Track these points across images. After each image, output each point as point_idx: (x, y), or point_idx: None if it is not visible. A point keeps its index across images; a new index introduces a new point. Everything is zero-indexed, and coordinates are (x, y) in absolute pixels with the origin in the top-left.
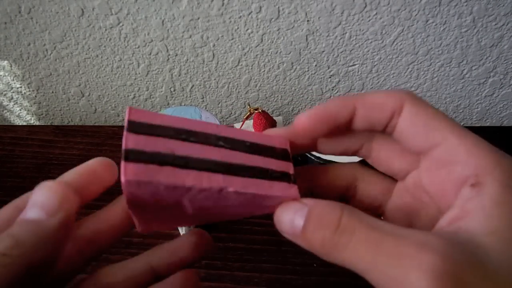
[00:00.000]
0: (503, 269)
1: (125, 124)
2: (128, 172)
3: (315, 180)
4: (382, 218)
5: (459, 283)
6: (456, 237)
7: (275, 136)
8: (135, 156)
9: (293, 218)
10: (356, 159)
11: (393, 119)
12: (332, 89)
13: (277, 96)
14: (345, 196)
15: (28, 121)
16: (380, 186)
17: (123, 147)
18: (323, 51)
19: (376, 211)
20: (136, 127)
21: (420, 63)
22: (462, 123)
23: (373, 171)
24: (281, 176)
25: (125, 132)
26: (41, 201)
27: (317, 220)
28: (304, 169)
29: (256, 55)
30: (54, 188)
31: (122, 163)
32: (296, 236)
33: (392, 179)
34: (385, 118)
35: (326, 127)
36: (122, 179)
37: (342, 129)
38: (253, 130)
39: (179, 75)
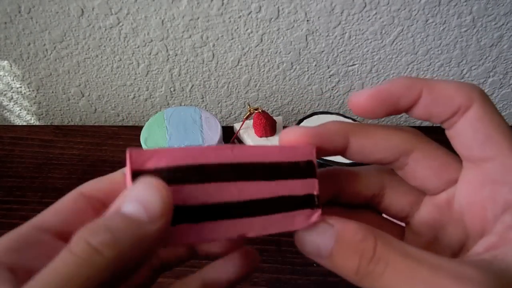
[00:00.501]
0: None
1: (128, 174)
2: None
3: (341, 186)
4: (405, 228)
5: None
6: (492, 266)
7: (299, 144)
8: None
9: (318, 240)
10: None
11: (456, 116)
12: (332, 89)
13: (277, 96)
14: (370, 203)
15: (28, 121)
16: (408, 198)
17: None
18: (322, 51)
19: (401, 220)
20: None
21: (420, 63)
22: None
23: (403, 181)
24: (304, 202)
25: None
26: (143, 198)
27: (349, 246)
28: (329, 173)
29: (256, 55)
30: (159, 188)
31: None
32: (322, 258)
33: (422, 192)
34: (448, 113)
35: (385, 110)
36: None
37: (398, 112)
38: (253, 130)
39: (179, 75)
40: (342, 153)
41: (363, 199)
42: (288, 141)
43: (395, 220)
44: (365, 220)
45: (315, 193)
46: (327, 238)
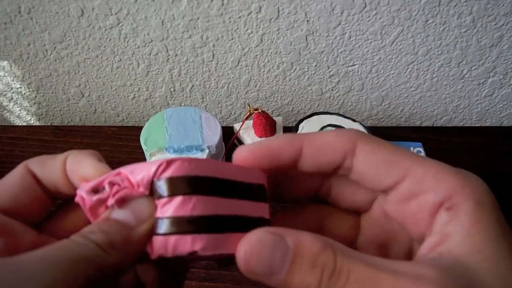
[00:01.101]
0: (496, 287)
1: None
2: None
3: (282, 224)
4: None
5: None
6: (441, 263)
7: (249, 168)
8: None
9: (271, 256)
10: None
11: (346, 161)
12: (332, 89)
13: (277, 96)
14: (318, 196)
15: (28, 121)
16: (347, 222)
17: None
18: (322, 51)
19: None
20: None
21: (420, 63)
22: (461, 123)
23: (337, 209)
24: (256, 223)
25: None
26: (132, 205)
27: (307, 261)
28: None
29: (256, 55)
30: (148, 198)
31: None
32: (275, 277)
33: (357, 213)
34: (336, 160)
35: (268, 164)
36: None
37: (288, 169)
38: (252, 130)
39: (179, 75)
40: (293, 167)
41: (309, 193)
42: (240, 161)
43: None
44: (317, 213)
45: (266, 216)
46: (280, 253)
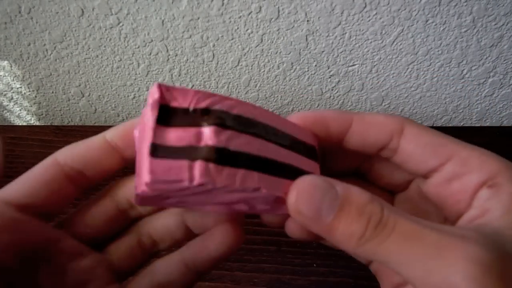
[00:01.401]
0: None
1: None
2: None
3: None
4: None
5: (504, 274)
6: (483, 230)
7: (304, 129)
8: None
9: (321, 200)
10: None
11: (393, 141)
12: (332, 89)
13: (277, 96)
14: (358, 171)
15: (28, 121)
16: (398, 174)
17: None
18: (323, 51)
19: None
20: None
21: (420, 63)
22: (461, 123)
23: (374, 185)
24: None
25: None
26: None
27: (355, 209)
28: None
29: (256, 55)
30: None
31: (153, 161)
32: (321, 222)
33: (393, 192)
34: (383, 139)
35: (317, 132)
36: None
37: (335, 143)
38: None
39: (179, 75)
40: (340, 141)
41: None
42: (304, 119)
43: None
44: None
45: (317, 174)
46: (330, 198)
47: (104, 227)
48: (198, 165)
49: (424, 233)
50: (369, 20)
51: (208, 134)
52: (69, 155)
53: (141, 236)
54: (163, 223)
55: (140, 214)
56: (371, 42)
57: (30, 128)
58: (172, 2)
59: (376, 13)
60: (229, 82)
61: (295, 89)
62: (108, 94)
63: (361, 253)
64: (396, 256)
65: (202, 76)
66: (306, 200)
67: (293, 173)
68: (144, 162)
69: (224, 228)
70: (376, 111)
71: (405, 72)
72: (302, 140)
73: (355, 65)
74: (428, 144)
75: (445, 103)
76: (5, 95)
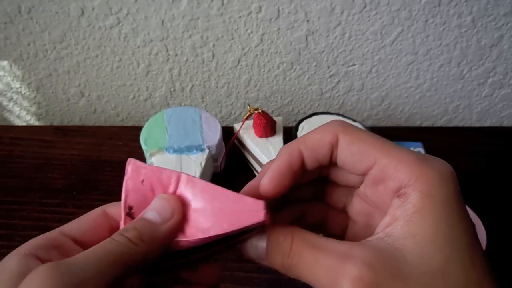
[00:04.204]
0: (415, 268)
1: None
2: None
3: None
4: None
5: (373, 285)
6: (382, 242)
7: (250, 203)
8: None
9: (256, 246)
10: None
11: (334, 151)
12: (332, 89)
13: (277, 96)
14: (316, 196)
15: (28, 121)
16: (342, 193)
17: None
18: (322, 51)
19: (342, 210)
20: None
21: (420, 63)
22: (462, 123)
23: (337, 184)
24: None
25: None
26: (158, 207)
27: (275, 247)
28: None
29: (256, 55)
30: (169, 199)
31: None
32: (263, 260)
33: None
34: (328, 154)
35: (289, 180)
36: None
37: (301, 172)
38: (253, 130)
39: (179, 75)
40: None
41: (309, 196)
42: (264, 193)
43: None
44: (315, 210)
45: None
46: (262, 242)
47: None
48: None
49: (318, 258)
50: (369, 20)
51: None
52: (115, 211)
53: None
54: None
55: None
56: (371, 42)
57: (30, 128)
58: (172, 2)
59: (376, 13)
60: (229, 82)
61: (295, 89)
62: (108, 94)
63: (291, 276)
64: (306, 277)
65: (202, 76)
66: (248, 250)
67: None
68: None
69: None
70: (376, 111)
71: (405, 72)
72: (240, 229)
73: (355, 65)
74: (355, 153)
75: (445, 103)
76: (5, 95)
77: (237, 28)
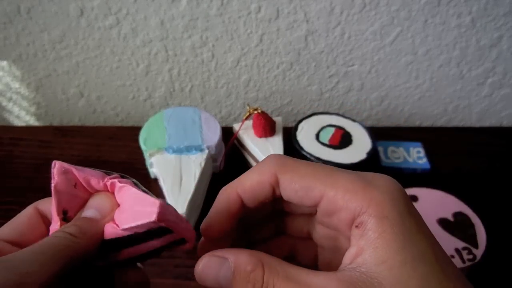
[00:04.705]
0: None
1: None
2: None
3: (247, 233)
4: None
5: None
6: (357, 273)
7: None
8: None
9: (218, 275)
10: None
11: (275, 190)
12: (332, 89)
13: (277, 96)
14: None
15: (27, 121)
16: (302, 221)
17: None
18: (322, 51)
19: (309, 238)
20: None
21: (419, 63)
22: (461, 124)
23: (295, 214)
24: (176, 243)
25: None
26: (96, 204)
27: (243, 277)
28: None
29: (256, 55)
30: (107, 194)
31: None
32: None
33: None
34: (268, 193)
35: (229, 223)
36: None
37: (242, 211)
38: (252, 130)
39: (179, 75)
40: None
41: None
42: (207, 237)
43: None
44: (281, 244)
45: (177, 238)
46: (225, 272)
47: None
48: None
49: None
50: (368, 20)
51: None
52: (47, 206)
53: None
54: None
55: None
56: (370, 42)
57: (29, 128)
58: (172, 2)
59: (375, 13)
60: (229, 82)
61: (294, 89)
62: (108, 95)
63: None
64: None
65: (201, 76)
66: (206, 277)
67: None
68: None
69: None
70: (375, 111)
71: (404, 72)
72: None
73: (354, 65)
74: (298, 190)
75: (445, 103)
76: (4, 95)
77: (237, 28)
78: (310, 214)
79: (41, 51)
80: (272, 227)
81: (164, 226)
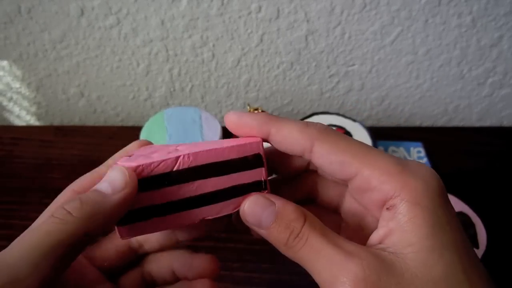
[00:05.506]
0: (418, 277)
1: None
2: (122, 233)
3: (279, 191)
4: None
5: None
6: (384, 252)
7: (245, 142)
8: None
9: (261, 214)
10: None
11: (304, 155)
12: (332, 89)
13: (277, 96)
14: (308, 198)
15: (27, 121)
16: (335, 191)
17: None
18: (322, 51)
19: (335, 210)
20: None
21: (420, 63)
22: (461, 123)
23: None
24: (252, 187)
25: None
26: (110, 178)
27: (285, 224)
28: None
29: (256, 55)
30: (124, 170)
31: (116, 227)
32: (260, 229)
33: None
34: (297, 153)
35: (241, 135)
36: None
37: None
38: None
39: (179, 75)
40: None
41: (302, 196)
42: (229, 126)
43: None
44: (311, 180)
45: (262, 179)
46: (269, 214)
47: (116, 260)
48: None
49: (324, 248)
50: (369, 20)
51: None
52: (82, 184)
53: (143, 273)
54: (157, 266)
55: (145, 251)
56: (371, 42)
57: (29, 128)
58: (172, 2)
59: (376, 13)
60: (229, 82)
61: (294, 89)
62: (108, 94)
63: (288, 256)
64: (306, 263)
65: (201, 76)
66: (250, 213)
67: (238, 192)
68: None
69: (205, 283)
70: (376, 111)
71: (405, 72)
72: (242, 157)
73: (355, 65)
74: (333, 162)
75: (445, 103)
76: (4, 95)
77: (237, 28)
78: (343, 185)
79: (41, 51)
80: (304, 191)
81: (261, 155)
